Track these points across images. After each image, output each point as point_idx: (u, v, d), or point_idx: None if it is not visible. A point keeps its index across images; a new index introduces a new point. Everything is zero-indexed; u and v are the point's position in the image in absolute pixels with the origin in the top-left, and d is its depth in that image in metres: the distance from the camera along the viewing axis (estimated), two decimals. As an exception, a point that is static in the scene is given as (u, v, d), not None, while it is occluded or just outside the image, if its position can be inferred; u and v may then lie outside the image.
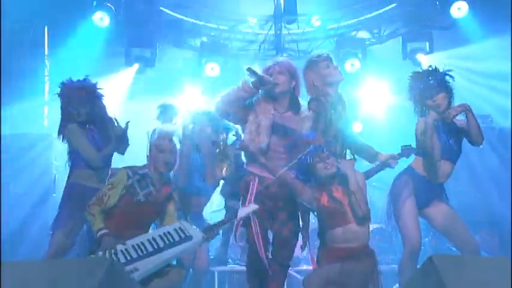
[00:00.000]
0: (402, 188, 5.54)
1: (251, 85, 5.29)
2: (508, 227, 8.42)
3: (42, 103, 10.60)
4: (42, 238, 8.03)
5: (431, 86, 5.60)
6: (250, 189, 5.30)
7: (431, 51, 10.45)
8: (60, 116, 6.05)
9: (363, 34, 10.99)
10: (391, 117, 10.13)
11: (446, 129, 5.60)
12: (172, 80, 10.83)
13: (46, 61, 10.87)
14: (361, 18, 11.00)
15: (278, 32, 10.74)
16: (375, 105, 10.14)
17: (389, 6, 10.87)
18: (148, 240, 5.05)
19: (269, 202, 5.29)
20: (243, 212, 5.16)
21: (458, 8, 10.07)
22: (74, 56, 10.20)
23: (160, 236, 5.11)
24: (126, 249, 4.90)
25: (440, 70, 5.70)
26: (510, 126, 10.00)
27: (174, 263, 5.27)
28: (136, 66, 10.56)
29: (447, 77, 5.65)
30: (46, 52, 10.90)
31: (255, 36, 11.21)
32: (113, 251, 4.84)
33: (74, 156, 5.93)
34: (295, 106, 5.51)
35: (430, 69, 5.75)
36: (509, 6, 10.10)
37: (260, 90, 5.38)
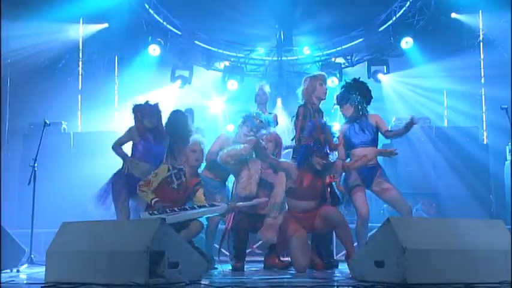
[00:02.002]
0: (349, 176, 5.41)
1: (250, 147, 5.34)
2: (441, 197, 8.41)
3: (113, 110, 10.62)
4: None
5: (343, 98, 5.51)
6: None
7: (388, 72, 10.42)
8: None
9: (340, 60, 10.93)
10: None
11: (359, 127, 5.45)
12: (203, 92, 10.82)
13: (116, 80, 10.87)
14: (339, 48, 10.93)
15: (279, 58, 10.74)
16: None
17: (358, 40, 10.83)
18: (187, 206, 5.14)
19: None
20: (256, 201, 5.27)
21: (406, 42, 10.09)
22: (135, 76, 10.22)
23: (196, 205, 5.18)
24: (171, 208, 4.97)
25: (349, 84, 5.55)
26: (444, 126, 9.99)
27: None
28: (178, 82, 10.54)
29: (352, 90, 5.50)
30: (116, 73, 10.90)
31: (263, 61, 11.16)
32: (161, 209, 4.94)
33: (133, 149, 5.82)
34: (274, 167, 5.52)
35: (345, 83, 5.61)
36: (443, 40, 10.12)
37: (254, 152, 5.42)
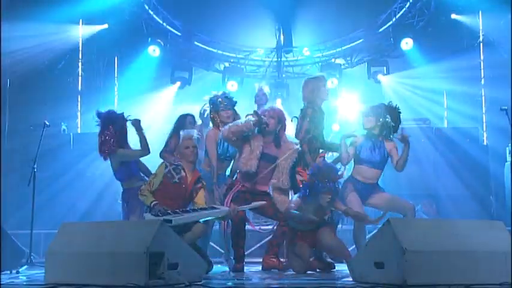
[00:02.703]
0: (345, 188, 5.45)
1: (251, 123, 5.35)
2: (441, 198, 8.39)
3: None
4: (112, 205, 8.04)
5: (375, 110, 5.55)
6: (233, 189, 5.42)
7: (387, 73, 10.43)
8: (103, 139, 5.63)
9: (340, 61, 10.94)
10: (360, 120, 10.02)
11: (372, 145, 5.48)
12: (203, 93, 10.80)
13: (116, 81, 10.86)
14: (338, 49, 10.94)
15: (279, 59, 10.75)
16: (348, 111, 10.06)
17: (358, 41, 10.84)
18: (189, 208, 5.12)
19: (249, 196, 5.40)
20: (255, 204, 5.25)
21: (406, 43, 10.12)
22: (135, 77, 10.22)
23: (198, 207, 5.14)
24: (173, 210, 4.90)
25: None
26: (444, 127, 9.98)
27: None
28: (178, 84, 10.55)
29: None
30: (116, 74, 10.90)
31: (262, 62, 11.17)
32: (163, 211, 4.88)
33: (120, 173, 5.70)
34: (277, 142, 5.52)
35: (389, 103, 5.65)
36: (443, 41, 10.13)
37: (256, 128, 5.43)
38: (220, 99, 5.91)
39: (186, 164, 5.28)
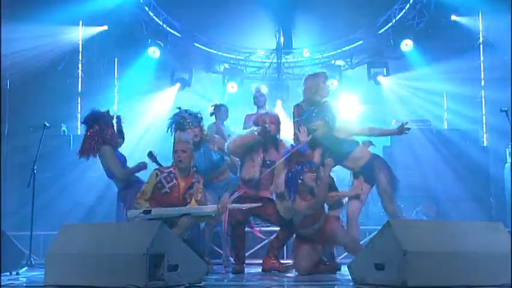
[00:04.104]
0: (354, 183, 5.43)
1: (256, 134, 5.40)
2: (441, 199, 8.38)
3: (112, 111, 10.58)
4: (112, 207, 8.01)
5: (313, 115, 5.43)
6: (234, 194, 5.43)
7: (387, 74, 10.42)
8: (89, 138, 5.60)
9: (340, 62, 10.96)
10: (360, 120, 10.02)
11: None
12: (203, 94, 10.82)
13: (115, 81, 10.86)
14: (338, 50, 10.97)
15: (279, 60, 10.75)
16: (348, 112, 10.05)
17: (358, 43, 10.87)
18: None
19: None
20: (247, 205, 5.21)
21: (406, 45, 10.16)
22: (135, 78, 10.22)
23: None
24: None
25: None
26: (444, 128, 9.98)
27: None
28: (178, 85, 10.53)
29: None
30: (116, 75, 10.90)
31: (262, 64, 11.19)
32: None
33: (111, 171, 5.67)
34: (276, 146, 5.53)
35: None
36: (443, 43, 10.13)
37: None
38: (185, 118, 5.69)
39: (178, 171, 5.13)
